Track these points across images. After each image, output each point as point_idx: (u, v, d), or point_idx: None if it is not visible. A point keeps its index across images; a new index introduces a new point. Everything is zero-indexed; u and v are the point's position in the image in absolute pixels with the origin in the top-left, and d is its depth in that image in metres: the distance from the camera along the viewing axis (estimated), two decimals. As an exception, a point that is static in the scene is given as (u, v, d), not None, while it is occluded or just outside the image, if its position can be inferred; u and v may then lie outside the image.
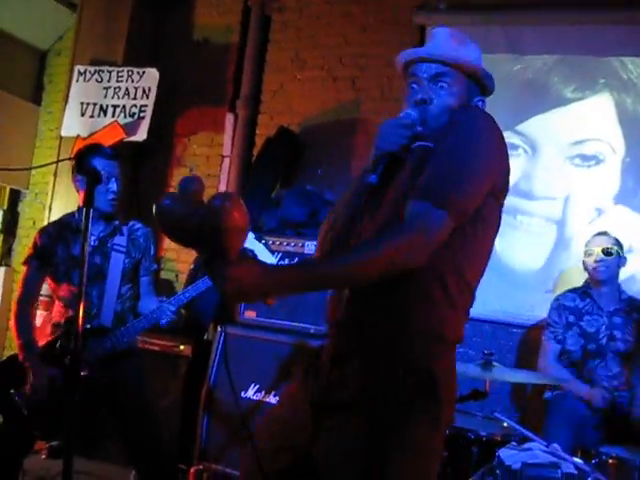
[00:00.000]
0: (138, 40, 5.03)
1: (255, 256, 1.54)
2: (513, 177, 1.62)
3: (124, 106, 4.64)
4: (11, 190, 5.52)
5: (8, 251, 5.48)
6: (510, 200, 1.67)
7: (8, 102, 5.18)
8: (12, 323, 2.79)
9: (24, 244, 5.20)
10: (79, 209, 2.88)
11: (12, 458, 2.70)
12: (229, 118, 4.84)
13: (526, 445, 2.57)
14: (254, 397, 3.48)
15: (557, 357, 3.40)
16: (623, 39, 3.92)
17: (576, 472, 2.38)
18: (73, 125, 4.74)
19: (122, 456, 3.28)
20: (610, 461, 2.64)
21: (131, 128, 4.58)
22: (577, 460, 2.46)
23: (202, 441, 3.54)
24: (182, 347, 3.85)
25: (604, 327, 3.34)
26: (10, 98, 5.21)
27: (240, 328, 3.63)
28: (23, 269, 2.89)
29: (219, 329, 3.72)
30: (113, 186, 2.79)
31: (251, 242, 2.96)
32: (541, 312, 3.68)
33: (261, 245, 3.10)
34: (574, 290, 3.50)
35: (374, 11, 4.57)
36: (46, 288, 3.13)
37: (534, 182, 4.00)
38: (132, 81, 4.67)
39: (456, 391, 1.62)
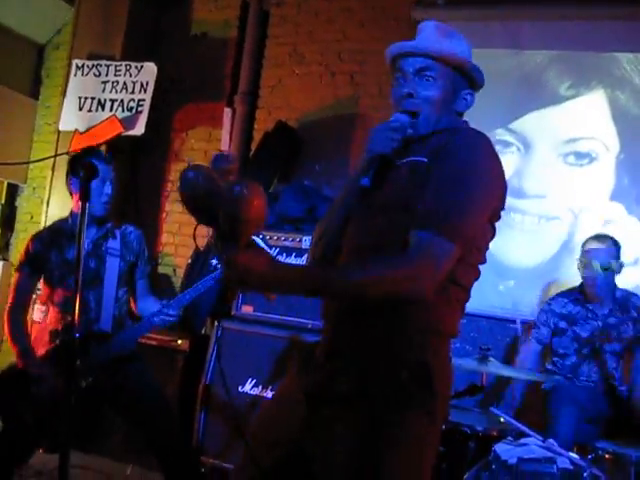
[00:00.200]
0: (136, 34, 5.01)
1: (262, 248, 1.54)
2: (506, 175, 1.62)
3: (122, 100, 4.63)
4: (9, 184, 5.50)
5: (6, 245, 5.47)
6: (504, 198, 1.68)
7: (6, 96, 5.15)
8: (6, 331, 2.74)
9: (22, 238, 5.19)
10: (72, 214, 2.87)
11: (7, 466, 2.67)
12: (227, 113, 4.82)
13: (522, 440, 2.58)
14: (251, 392, 3.48)
15: (536, 356, 3.44)
16: (622, 35, 3.91)
17: (572, 467, 2.39)
18: (71, 119, 4.73)
19: (119, 450, 3.28)
20: (606, 456, 2.65)
21: (129, 122, 4.56)
22: (573, 455, 2.47)
23: (199, 435, 3.53)
24: (179, 342, 3.85)
25: (598, 331, 3.28)
26: (8, 92, 5.18)
27: (237, 322, 3.63)
28: (15, 275, 2.86)
29: (216, 324, 3.72)
30: (108, 189, 2.79)
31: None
32: (537, 308, 3.68)
33: (259, 240, 3.09)
34: (566, 294, 3.44)
35: (373, 6, 4.56)
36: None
37: (528, 180, 3.99)
38: (130, 75, 4.66)
39: (451, 386, 1.62)
